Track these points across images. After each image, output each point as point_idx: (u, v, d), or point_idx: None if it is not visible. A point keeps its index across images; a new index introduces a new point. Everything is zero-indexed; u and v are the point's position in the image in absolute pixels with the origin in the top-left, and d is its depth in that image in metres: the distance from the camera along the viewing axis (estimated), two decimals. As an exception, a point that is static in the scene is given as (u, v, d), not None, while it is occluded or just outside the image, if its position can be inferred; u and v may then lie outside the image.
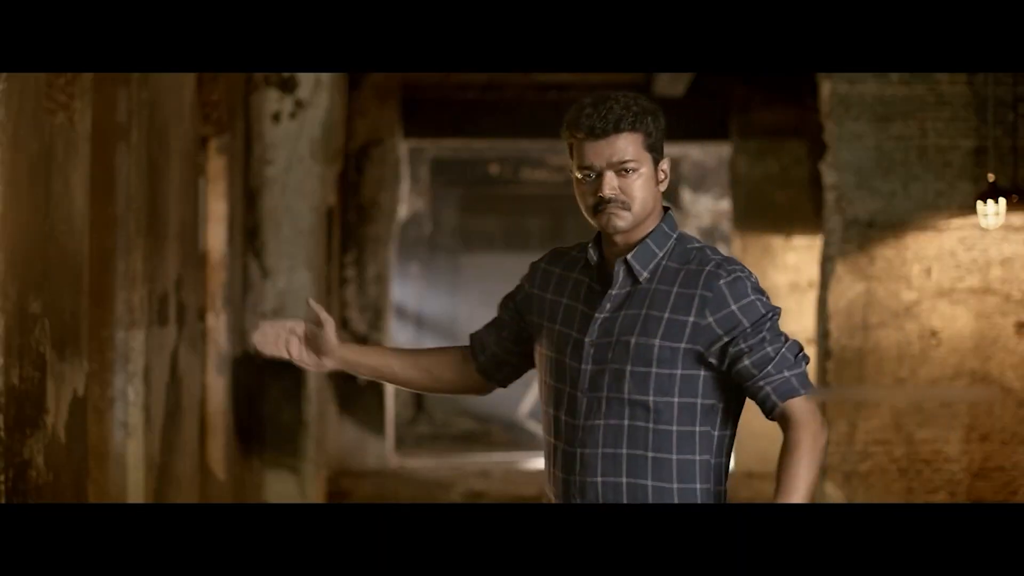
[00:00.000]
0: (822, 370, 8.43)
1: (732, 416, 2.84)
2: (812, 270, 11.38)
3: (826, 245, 8.44)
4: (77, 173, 5.05)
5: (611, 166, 2.80)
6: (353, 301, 12.19)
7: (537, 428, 15.45)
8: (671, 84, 11.57)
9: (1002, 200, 7.95)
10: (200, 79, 7.73)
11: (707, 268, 2.80)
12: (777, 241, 11.87)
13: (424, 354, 3.15)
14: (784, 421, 2.75)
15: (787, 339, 2.79)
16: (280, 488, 8.93)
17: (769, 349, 2.76)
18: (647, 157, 2.83)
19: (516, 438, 15.16)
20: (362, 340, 12.19)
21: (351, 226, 12.10)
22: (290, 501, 8.82)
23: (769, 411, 2.77)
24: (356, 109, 11.82)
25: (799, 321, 11.75)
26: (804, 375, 2.78)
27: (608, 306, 2.84)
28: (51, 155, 4.74)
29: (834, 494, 8.28)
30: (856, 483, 8.30)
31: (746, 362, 2.75)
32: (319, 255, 9.17)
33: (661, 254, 2.84)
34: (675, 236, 2.87)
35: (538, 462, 12.84)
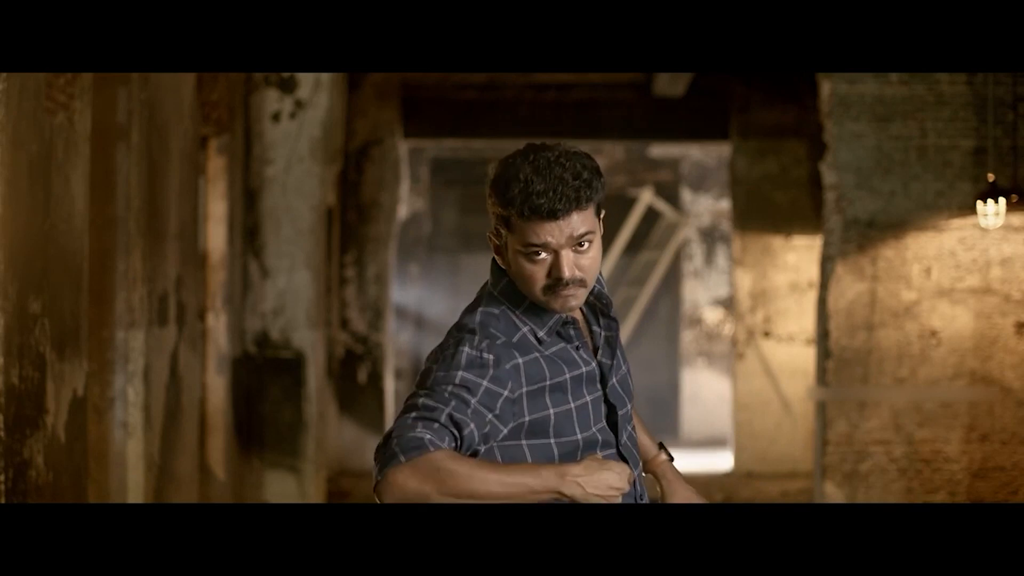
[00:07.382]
0: (822, 370, 8.43)
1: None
2: (812, 270, 11.38)
3: (826, 245, 8.43)
4: (77, 173, 5.05)
5: (569, 243, 2.52)
6: (353, 301, 12.18)
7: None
8: (671, 84, 11.57)
9: (1002, 200, 7.95)
10: (200, 79, 7.73)
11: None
12: (777, 241, 11.87)
13: None
14: None
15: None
16: (280, 488, 8.93)
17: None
18: (597, 221, 2.56)
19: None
20: (362, 340, 12.19)
21: (351, 226, 12.10)
22: (290, 501, 8.82)
23: None
24: (356, 109, 11.83)
25: (799, 321, 11.75)
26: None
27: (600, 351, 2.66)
28: (51, 155, 4.74)
29: (834, 494, 8.28)
30: (856, 483, 8.30)
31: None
32: (319, 255, 9.17)
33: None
34: None
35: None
